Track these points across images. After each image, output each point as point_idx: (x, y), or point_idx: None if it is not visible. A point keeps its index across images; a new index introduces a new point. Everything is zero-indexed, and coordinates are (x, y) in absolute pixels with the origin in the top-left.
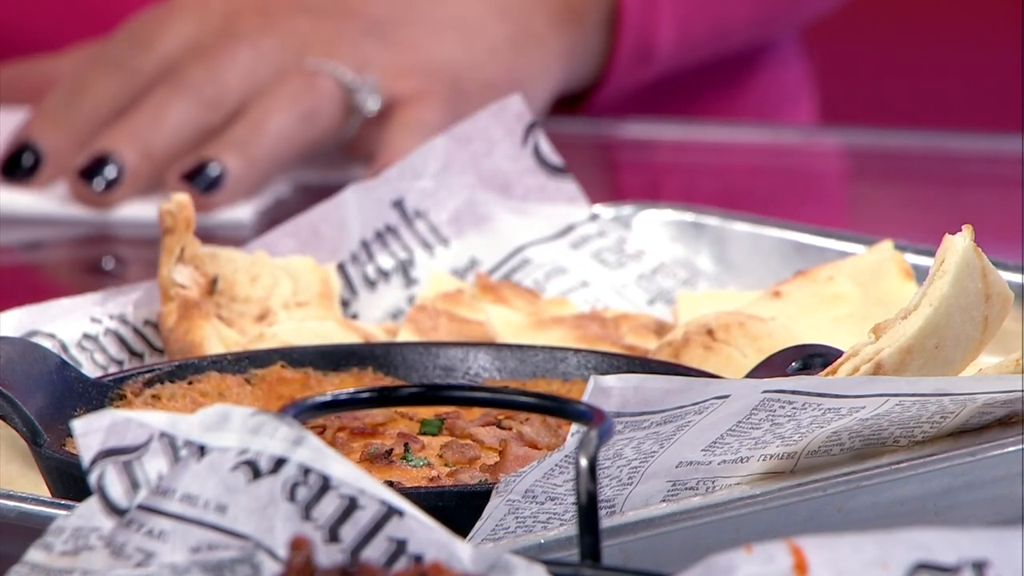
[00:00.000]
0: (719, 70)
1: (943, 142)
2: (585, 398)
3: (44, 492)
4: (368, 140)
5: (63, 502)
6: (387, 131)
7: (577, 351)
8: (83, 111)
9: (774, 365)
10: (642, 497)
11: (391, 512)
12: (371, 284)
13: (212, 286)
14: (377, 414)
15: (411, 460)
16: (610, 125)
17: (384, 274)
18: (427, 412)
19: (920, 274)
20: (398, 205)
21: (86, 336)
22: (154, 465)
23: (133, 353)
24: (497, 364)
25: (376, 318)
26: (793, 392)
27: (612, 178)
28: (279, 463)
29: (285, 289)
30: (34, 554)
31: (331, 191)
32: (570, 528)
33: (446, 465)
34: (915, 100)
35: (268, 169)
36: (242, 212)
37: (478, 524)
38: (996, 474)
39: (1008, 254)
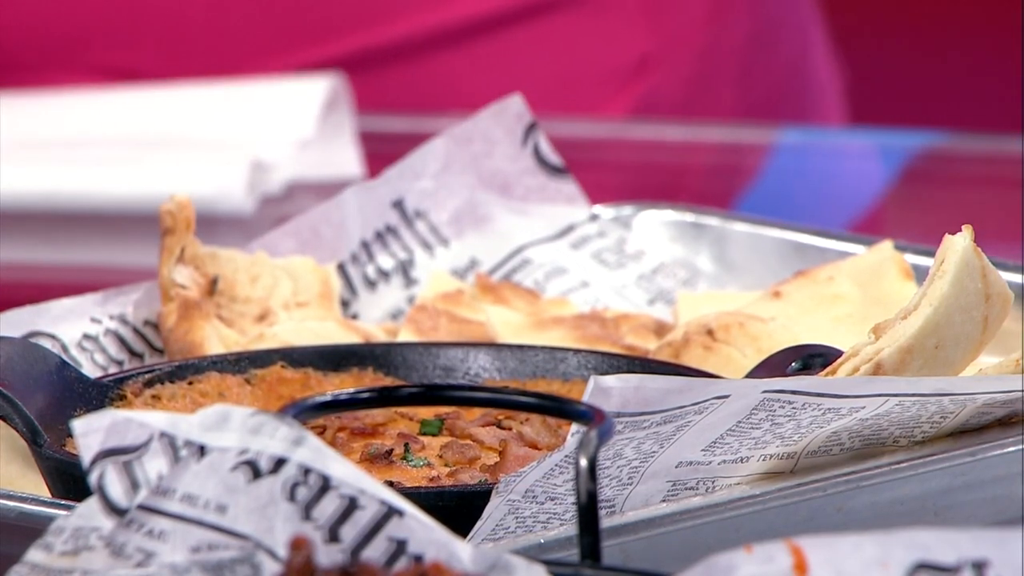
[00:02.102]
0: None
1: (943, 142)
2: (585, 398)
3: (44, 492)
4: None
5: (63, 502)
6: None
7: (577, 351)
8: None
9: (774, 365)
10: (642, 497)
11: (391, 512)
12: (371, 284)
13: (212, 286)
14: (377, 414)
15: (411, 460)
16: (610, 125)
17: (384, 274)
18: (427, 412)
19: (920, 274)
20: (398, 205)
21: (86, 336)
22: (154, 465)
23: (133, 353)
24: (497, 364)
25: (376, 318)
26: (793, 392)
27: (612, 178)
28: (279, 463)
29: (285, 289)
30: (34, 554)
31: (323, 190)
32: (570, 528)
33: (446, 465)
34: (915, 100)
35: None
36: (242, 204)
37: (478, 524)
38: (996, 474)
39: (1008, 254)
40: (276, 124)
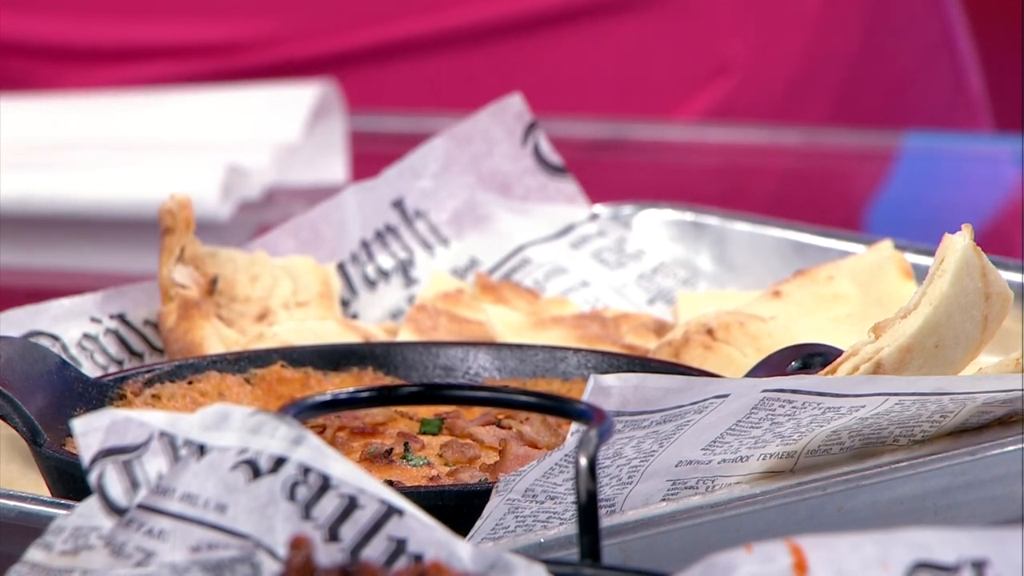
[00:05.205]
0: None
1: (943, 142)
2: (585, 397)
3: (44, 492)
4: None
5: (63, 502)
6: None
7: (577, 351)
8: None
9: (774, 364)
10: (642, 496)
11: (391, 511)
12: (371, 284)
13: (212, 286)
14: (377, 414)
15: (411, 459)
16: (610, 125)
17: (384, 274)
18: (427, 412)
19: (920, 274)
20: (398, 205)
21: (86, 336)
22: (154, 464)
23: (133, 353)
24: (497, 364)
25: (376, 318)
26: (793, 391)
27: (612, 178)
28: (279, 462)
29: (285, 289)
30: (34, 553)
31: (304, 195)
32: (570, 527)
33: (446, 464)
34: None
35: None
36: (217, 209)
37: (478, 523)
38: (996, 473)
39: (1008, 254)
40: (260, 130)
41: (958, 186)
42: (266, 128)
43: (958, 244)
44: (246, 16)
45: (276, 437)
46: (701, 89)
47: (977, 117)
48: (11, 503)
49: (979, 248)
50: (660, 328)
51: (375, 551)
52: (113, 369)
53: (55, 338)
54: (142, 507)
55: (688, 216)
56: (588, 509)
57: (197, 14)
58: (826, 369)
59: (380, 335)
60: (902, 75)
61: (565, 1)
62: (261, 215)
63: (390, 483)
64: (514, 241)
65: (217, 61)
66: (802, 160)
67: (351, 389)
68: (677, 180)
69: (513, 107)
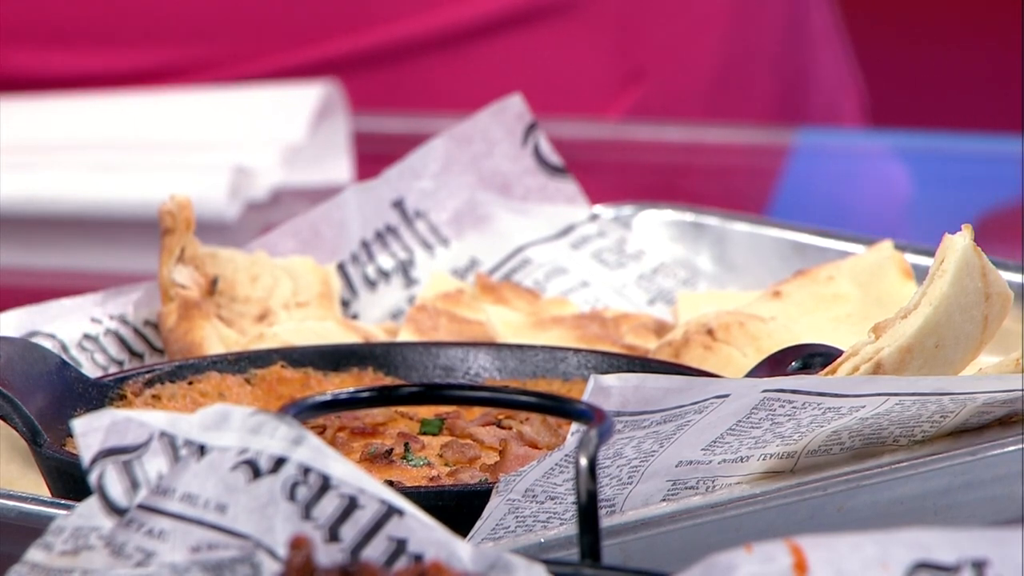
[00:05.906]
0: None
1: (943, 142)
2: (585, 397)
3: (44, 492)
4: None
5: (63, 502)
6: None
7: (577, 351)
8: None
9: (774, 364)
10: (642, 496)
11: (391, 511)
12: (371, 284)
13: (212, 286)
14: (377, 414)
15: (411, 460)
16: (610, 125)
17: (384, 274)
18: (427, 412)
19: (920, 274)
20: (398, 205)
21: (86, 336)
22: (154, 464)
23: (133, 353)
24: (497, 364)
25: (376, 318)
26: (793, 391)
27: (612, 178)
28: (279, 463)
29: (285, 289)
30: (34, 554)
31: (310, 196)
32: (570, 527)
33: (446, 465)
34: (916, 100)
35: None
36: (224, 209)
37: (478, 523)
38: (996, 473)
39: (1008, 254)
40: (265, 130)
41: (851, 181)
42: (270, 128)
43: (958, 244)
44: (242, 18)
45: (276, 437)
46: (618, 95)
47: (857, 112)
48: (11, 503)
49: (979, 248)
50: (660, 328)
51: (375, 551)
52: (113, 369)
53: (55, 338)
54: (142, 507)
55: (688, 216)
56: (588, 509)
57: (198, 16)
58: (826, 369)
59: (380, 335)
60: (799, 73)
61: (473, 15)
62: (267, 216)
63: (390, 483)
64: (514, 241)
65: (216, 68)
66: (698, 156)
67: (351, 389)
68: (676, 180)
69: (513, 107)
